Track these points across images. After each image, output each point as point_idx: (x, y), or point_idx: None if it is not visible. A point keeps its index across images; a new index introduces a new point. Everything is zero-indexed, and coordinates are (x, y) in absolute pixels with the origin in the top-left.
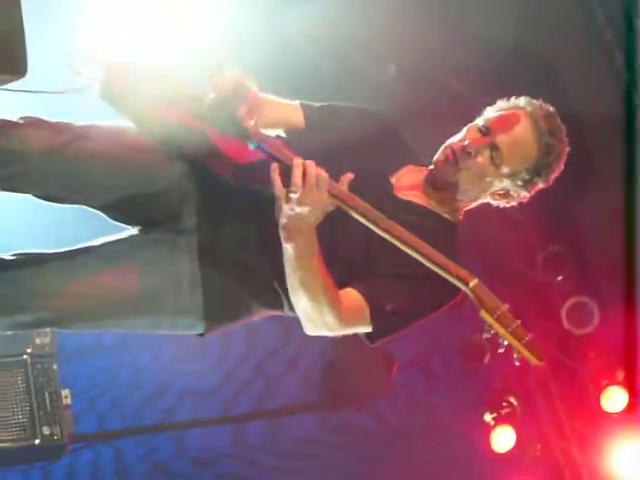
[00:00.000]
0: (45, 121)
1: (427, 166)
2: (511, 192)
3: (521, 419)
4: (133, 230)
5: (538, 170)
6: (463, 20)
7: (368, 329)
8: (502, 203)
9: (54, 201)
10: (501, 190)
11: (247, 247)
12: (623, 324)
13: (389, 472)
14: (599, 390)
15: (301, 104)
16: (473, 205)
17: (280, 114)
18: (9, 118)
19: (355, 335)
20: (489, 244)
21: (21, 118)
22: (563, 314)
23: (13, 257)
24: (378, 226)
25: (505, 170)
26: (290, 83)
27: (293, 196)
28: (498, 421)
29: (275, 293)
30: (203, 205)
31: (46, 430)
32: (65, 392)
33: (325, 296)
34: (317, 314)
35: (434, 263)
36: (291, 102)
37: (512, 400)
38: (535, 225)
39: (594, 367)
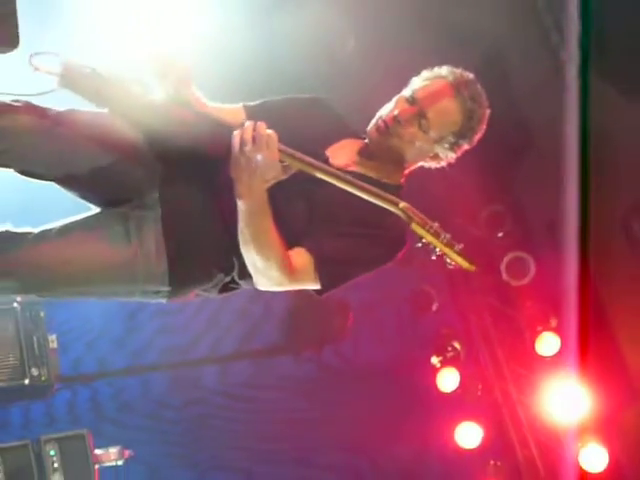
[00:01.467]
0: (33, 105)
1: (364, 138)
2: (440, 154)
3: (464, 362)
4: (99, 209)
5: (463, 133)
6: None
7: (315, 285)
8: (433, 164)
9: (32, 177)
10: (431, 153)
11: (205, 217)
12: (556, 276)
13: (342, 412)
14: (534, 336)
15: (243, 105)
16: (410, 169)
17: (225, 116)
18: (3, 100)
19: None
20: (435, 204)
21: (13, 101)
22: (502, 267)
23: None
24: (327, 173)
25: (433, 135)
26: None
27: (246, 148)
28: (444, 363)
29: (230, 262)
30: (164, 181)
31: (35, 371)
32: (52, 337)
33: (272, 251)
34: (266, 269)
35: (371, 193)
36: (234, 105)
37: (456, 345)
38: (478, 186)
39: (530, 315)
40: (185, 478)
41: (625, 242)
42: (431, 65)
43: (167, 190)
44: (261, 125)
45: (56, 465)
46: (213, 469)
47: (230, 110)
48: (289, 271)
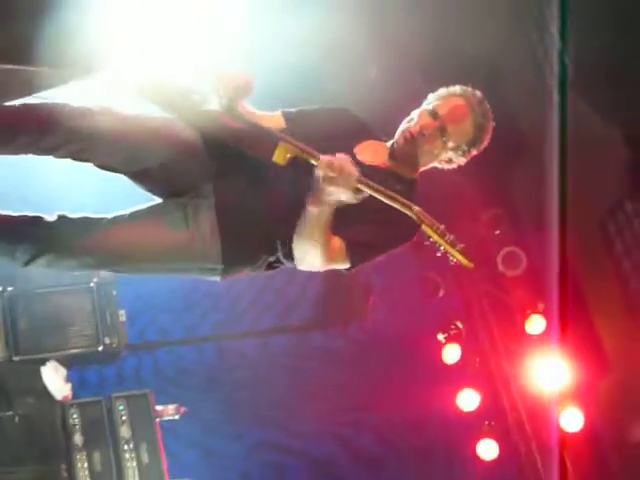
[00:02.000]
0: (110, 109)
1: (385, 140)
2: (453, 159)
3: (465, 339)
4: (161, 199)
5: (474, 143)
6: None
7: (344, 265)
8: (446, 166)
9: (109, 170)
10: (446, 158)
11: (251, 206)
12: (544, 268)
13: (363, 379)
14: (524, 318)
15: (282, 111)
16: (426, 168)
17: (269, 123)
18: (87, 106)
19: (341, 271)
20: (443, 208)
21: (94, 106)
22: (499, 260)
23: (56, 218)
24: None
25: (450, 145)
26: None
27: (334, 180)
28: (448, 339)
29: (274, 245)
30: (217, 175)
31: (107, 340)
32: (121, 312)
33: (324, 247)
34: (312, 257)
35: (391, 198)
36: (273, 113)
37: (459, 324)
38: (480, 191)
39: (521, 300)
40: (230, 431)
41: (602, 240)
42: (438, 83)
43: (219, 183)
44: (347, 163)
45: (124, 418)
46: (254, 426)
47: (271, 116)
48: (330, 258)
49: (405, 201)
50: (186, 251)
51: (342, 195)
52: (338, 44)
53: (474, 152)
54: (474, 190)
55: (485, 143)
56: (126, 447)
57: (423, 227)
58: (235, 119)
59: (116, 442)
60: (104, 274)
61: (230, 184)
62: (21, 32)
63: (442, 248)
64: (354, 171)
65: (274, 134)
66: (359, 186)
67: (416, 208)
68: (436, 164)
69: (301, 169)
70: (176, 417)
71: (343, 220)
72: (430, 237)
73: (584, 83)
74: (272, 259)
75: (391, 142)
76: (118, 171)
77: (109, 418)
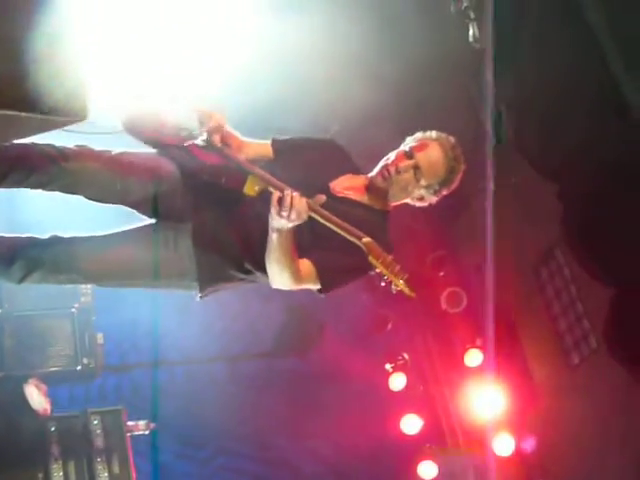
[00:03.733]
0: (92, 148)
1: (364, 174)
2: (425, 197)
3: (410, 368)
4: (150, 220)
5: (445, 182)
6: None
7: (315, 286)
8: (418, 204)
9: (97, 201)
10: (418, 195)
11: (224, 234)
12: (482, 306)
13: (308, 406)
14: (463, 351)
15: (272, 139)
16: (399, 203)
17: (255, 152)
18: (69, 146)
19: (302, 306)
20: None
21: (76, 146)
22: (442, 298)
23: (48, 238)
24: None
25: (423, 183)
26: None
27: (283, 214)
28: (395, 369)
29: (245, 268)
30: (195, 206)
31: (85, 360)
32: (99, 335)
33: (290, 268)
34: (281, 277)
35: (342, 229)
36: (264, 142)
37: (405, 355)
38: (427, 236)
39: (461, 335)
40: (192, 453)
41: (535, 283)
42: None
43: (196, 213)
44: (297, 197)
45: (98, 432)
46: (217, 445)
47: (259, 145)
48: (298, 277)
49: (355, 231)
50: (166, 269)
51: (295, 222)
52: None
53: (444, 192)
54: (421, 235)
55: (455, 184)
56: (99, 458)
57: (370, 258)
58: (212, 152)
59: (90, 453)
60: (85, 300)
61: (205, 214)
62: (14, 76)
63: (386, 277)
64: (303, 206)
65: (245, 167)
66: (312, 214)
67: (365, 239)
68: (409, 200)
69: (269, 201)
70: (146, 432)
71: (313, 245)
72: (376, 268)
73: (521, 136)
74: (248, 277)
75: (369, 176)
76: (107, 202)
77: (84, 431)
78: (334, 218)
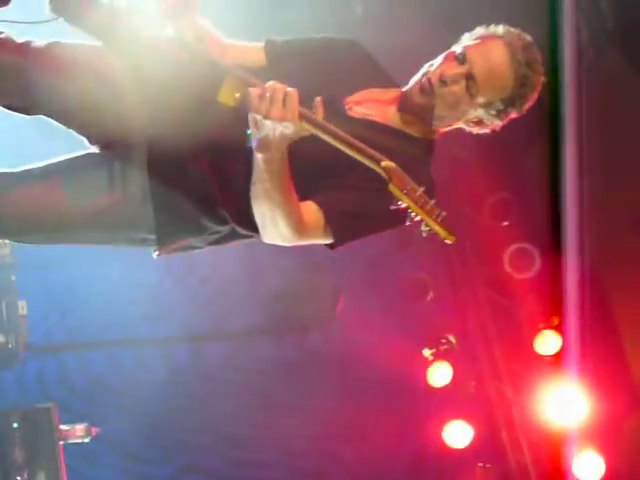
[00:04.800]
0: (11, 37)
1: (398, 87)
2: (485, 120)
3: (458, 356)
4: (91, 149)
5: (513, 101)
6: None
7: (325, 240)
8: (475, 129)
9: (17, 111)
10: (475, 118)
11: (194, 162)
12: (561, 272)
13: (324, 401)
14: (534, 333)
15: (266, 42)
16: (447, 129)
17: (242, 56)
18: None
19: (304, 264)
20: (438, 185)
21: None
22: (505, 258)
23: None
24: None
25: (480, 100)
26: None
27: (269, 110)
28: (436, 356)
29: (221, 214)
30: (152, 123)
31: (1, 338)
32: (22, 303)
33: (285, 209)
34: (274, 224)
35: (351, 147)
36: (255, 44)
37: (451, 338)
38: (484, 170)
39: (531, 311)
40: (154, 460)
41: (634, 240)
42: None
43: (154, 134)
44: (281, 85)
45: (18, 439)
46: (183, 453)
47: (245, 48)
48: (299, 227)
49: (372, 152)
50: (110, 217)
51: (285, 129)
52: None
53: (513, 113)
54: (476, 168)
55: (530, 103)
56: (19, 477)
57: (390, 187)
58: (184, 49)
59: (6, 469)
60: (1, 253)
61: (167, 137)
62: None
63: (413, 214)
64: (294, 102)
65: (220, 66)
66: (305, 125)
67: (386, 163)
68: (462, 125)
69: None
70: (86, 440)
71: (316, 182)
72: (399, 200)
73: (624, 42)
74: (226, 230)
75: (404, 90)
76: (29, 112)
77: None
78: (340, 133)
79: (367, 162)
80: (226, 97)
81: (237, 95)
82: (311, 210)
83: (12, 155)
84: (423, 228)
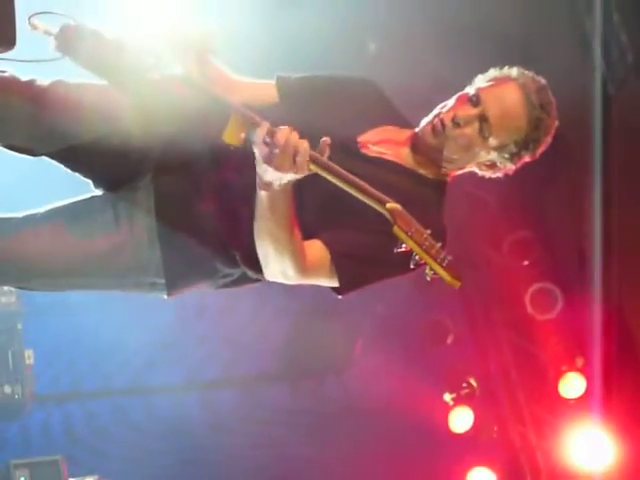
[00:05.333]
0: (15, 76)
1: (412, 128)
2: (498, 164)
3: (480, 401)
4: (96, 192)
5: (526, 144)
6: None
7: (331, 282)
8: (487, 173)
9: (20, 152)
10: (487, 161)
11: (202, 203)
12: (585, 312)
13: (340, 449)
14: (558, 376)
15: (277, 78)
16: (460, 172)
17: (252, 94)
18: None
19: (320, 307)
20: (455, 223)
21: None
22: (527, 299)
23: None
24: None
25: (493, 142)
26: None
27: (275, 152)
28: (457, 401)
29: (232, 256)
30: (160, 164)
31: (7, 389)
32: (28, 352)
33: (288, 247)
34: (277, 262)
35: (358, 189)
36: (266, 81)
37: (472, 381)
38: (504, 208)
39: (554, 353)
40: None
41: None
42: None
43: (162, 173)
44: (293, 135)
45: None
46: None
47: (258, 85)
48: (303, 265)
49: (377, 193)
50: (116, 261)
51: (292, 177)
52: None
53: (527, 157)
54: (496, 205)
55: (544, 146)
56: None
57: (395, 229)
58: (188, 87)
59: None
60: (7, 300)
61: (176, 175)
62: None
63: (417, 257)
64: (304, 148)
65: (224, 103)
66: (312, 167)
67: (391, 205)
68: (474, 168)
69: None
70: None
71: (323, 220)
72: (402, 243)
73: None
74: (236, 273)
75: (418, 130)
76: (32, 153)
77: None
78: (345, 173)
79: (372, 203)
80: (231, 137)
81: (242, 135)
82: (316, 247)
83: (15, 200)
84: (428, 272)
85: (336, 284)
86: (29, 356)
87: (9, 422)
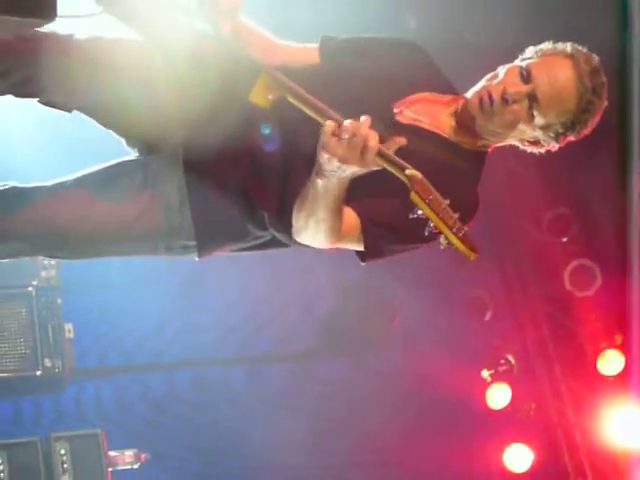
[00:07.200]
0: (55, 32)
1: (456, 93)
2: (541, 141)
3: (517, 377)
4: (125, 157)
5: (573, 125)
6: None
7: (358, 247)
8: (529, 149)
9: (56, 107)
10: (531, 138)
11: (234, 166)
12: (624, 289)
13: (382, 424)
14: (597, 353)
15: (322, 38)
16: (501, 145)
17: (291, 56)
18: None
19: (362, 285)
20: (495, 199)
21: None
22: (566, 275)
23: (1, 188)
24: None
25: (540, 121)
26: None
27: (338, 151)
28: (495, 378)
29: (261, 219)
30: (190, 121)
31: (48, 362)
32: (68, 326)
33: (329, 224)
34: (314, 235)
35: (383, 158)
36: (309, 44)
37: (510, 358)
38: (544, 185)
39: (593, 330)
40: None
41: None
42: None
43: (192, 133)
44: (359, 136)
45: (66, 465)
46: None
47: (299, 47)
48: (338, 237)
49: (398, 160)
50: (146, 225)
51: (353, 169)
52: None
53: (571, 137)
54: (535, 182)
55: (589, 128)
56: None
57: (412, 195)
58: (220, 46)
59: None
60: (47, 275)
61: (207, 135)
62: None
63: (432, 224)
64: (374, 144)
65: (253, 61)
66: (378, 160)
67: (411, 171)
68: (517, 143)
69: (299, 119)
70: (135, 466)
71: (359, 188)
72: (419, 209)
73: None
74: (266, 235)
75: (465, 97)
76: (67, 107)
77: (46, 465)
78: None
79: (392, 169)
80: (258, 97)
81: (270, 97)
82: (349, 216)
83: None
84: (442, 241)
85: (360, 247)
86: (69, 330)
87: (49, 395)
